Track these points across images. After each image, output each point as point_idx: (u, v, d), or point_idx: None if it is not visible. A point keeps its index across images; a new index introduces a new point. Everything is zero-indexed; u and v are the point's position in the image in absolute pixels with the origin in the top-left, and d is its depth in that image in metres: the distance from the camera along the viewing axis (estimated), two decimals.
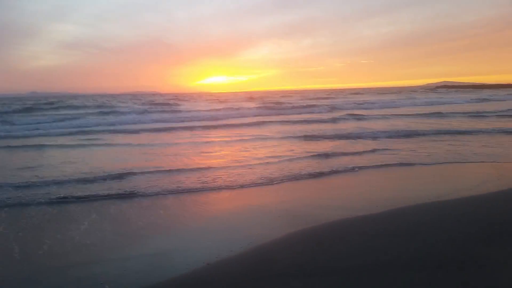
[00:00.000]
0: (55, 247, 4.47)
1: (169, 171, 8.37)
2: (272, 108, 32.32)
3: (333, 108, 31.28)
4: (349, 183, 7.36)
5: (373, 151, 10.57)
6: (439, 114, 22.24)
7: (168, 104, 42.71)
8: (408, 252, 3.88)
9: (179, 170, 8.45)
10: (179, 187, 7.09)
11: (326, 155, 9.96)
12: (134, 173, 8.04)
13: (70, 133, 16.56)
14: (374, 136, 13.71)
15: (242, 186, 7.15)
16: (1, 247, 4.51)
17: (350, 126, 17.89)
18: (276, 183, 7.32)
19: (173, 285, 3.50)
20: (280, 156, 10.09)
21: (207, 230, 4.96)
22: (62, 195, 6.52)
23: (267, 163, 9.21)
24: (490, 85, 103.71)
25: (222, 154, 10.87)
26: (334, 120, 20.73)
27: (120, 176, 7.80)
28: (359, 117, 22.15)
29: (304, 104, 35.35)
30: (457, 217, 4.96)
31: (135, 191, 6.75)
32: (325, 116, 24.07)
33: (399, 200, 5.89)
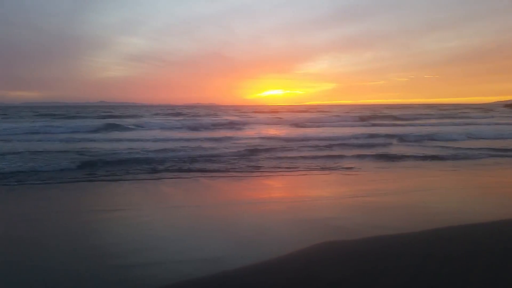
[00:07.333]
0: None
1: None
2: None
3: None
4: (396, 201, 6.82)
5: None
6: None
7: None
8: (442, 277, 3.47)
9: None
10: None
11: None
12: None
13: None
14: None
15: (281, 199, 7.07)
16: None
17: None
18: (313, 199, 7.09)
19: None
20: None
21: (236, 237, 4.91)
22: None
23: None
24: None
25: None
26: None
27: None
28: None
29: None
30: (501, 242, 4.42)
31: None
32: None
33: (442, 220, 5.38)
